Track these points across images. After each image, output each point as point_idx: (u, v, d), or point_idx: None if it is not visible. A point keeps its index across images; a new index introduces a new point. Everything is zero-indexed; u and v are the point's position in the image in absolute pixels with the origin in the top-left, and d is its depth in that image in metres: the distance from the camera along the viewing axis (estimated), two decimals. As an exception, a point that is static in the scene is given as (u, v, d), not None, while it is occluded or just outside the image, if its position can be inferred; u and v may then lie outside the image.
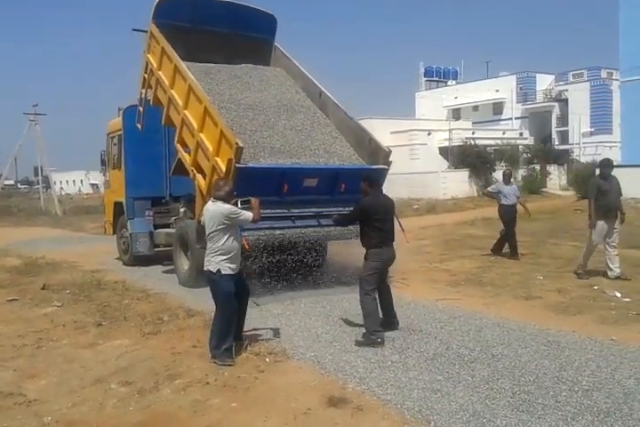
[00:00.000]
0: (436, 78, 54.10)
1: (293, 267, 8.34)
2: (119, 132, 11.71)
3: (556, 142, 40.52)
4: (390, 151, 8.77)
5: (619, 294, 7.53)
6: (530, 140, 36.97)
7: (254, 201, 5.65)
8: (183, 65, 9.00)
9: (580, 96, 40.64)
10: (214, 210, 5.43)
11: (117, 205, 11.96)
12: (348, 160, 8.74)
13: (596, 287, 8.06)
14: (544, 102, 44.38)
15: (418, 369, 5.05)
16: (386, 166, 8.66)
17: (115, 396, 4.69)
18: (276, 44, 11.10)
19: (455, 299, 7.68)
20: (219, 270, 5.39)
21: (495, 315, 6.82)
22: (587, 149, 37.29)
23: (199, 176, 8.48)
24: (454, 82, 52.84)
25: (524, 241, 11.88)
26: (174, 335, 6.29)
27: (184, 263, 9.34)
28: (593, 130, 39.37)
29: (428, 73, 53.83)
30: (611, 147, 33.95)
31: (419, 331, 6.19)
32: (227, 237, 5.40)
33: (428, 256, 11.64)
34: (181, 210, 10.27)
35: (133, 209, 11.30)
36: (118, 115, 11.94)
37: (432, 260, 11.15)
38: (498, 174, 25.00)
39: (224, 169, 7.49)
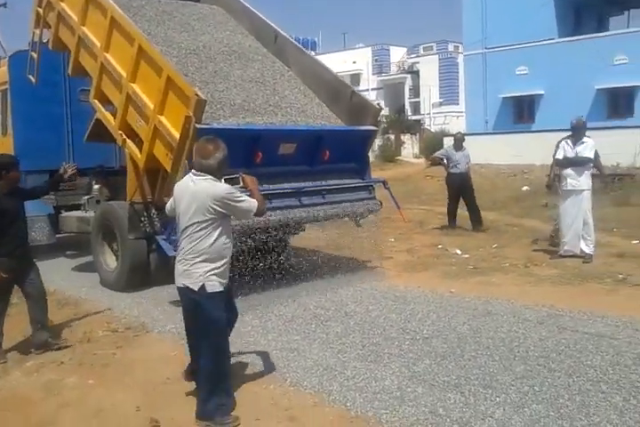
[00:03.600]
0: (295, 49, 54.26)
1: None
2: (4, 87, 9.23)
3: (409, 113, 42.58)
4: (381, 108, 7.38)
5: (459, 252, 8.28)
6: (385, 111, 38.55)
7: (249, 180, 3.77)
8: None
9: (429, 68, 42.75)
10: (199, 190, 3.53)
11: None
12: (326, 121, 7.05)
13: (439, 246, 8.77)
14: (397, 74, 46.25)
15: (277, 331, 5.27)
16: (375, 127, 7.19)
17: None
18: None
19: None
20: (203, 287, 3.53)
21: (349, 275, 7.21)
22: (436, 119, 39.58)
23: (131, 143, 6.53)
24: (313, 53, 53.34)
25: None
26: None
27: (109, 259, 7.28)
28: (442, 101, 41.75)
29: (286, 43, 53.79)
30: (458, 117, 36.30)
31: (278, 296, 6.40)
32: (217, 234, 3.53)
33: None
34: (95, 187, 8.20)
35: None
36: (2, 63, 9.56)
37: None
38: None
39: (176, 132, 5.70)
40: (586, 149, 7.39)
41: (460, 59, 33.05)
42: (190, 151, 5.24)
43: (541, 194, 13.02)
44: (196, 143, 3.57)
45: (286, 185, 6.39)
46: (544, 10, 23.53)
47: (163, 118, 5.94)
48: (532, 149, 16.15)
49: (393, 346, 4.80)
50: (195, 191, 3.56)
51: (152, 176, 6.44)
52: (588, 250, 7.46)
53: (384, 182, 7.30)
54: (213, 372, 3.70)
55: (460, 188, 10.10)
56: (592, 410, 3.59)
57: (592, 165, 7.51)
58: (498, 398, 3.80)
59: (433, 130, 35.50)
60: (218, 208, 3.51)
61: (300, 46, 7.91)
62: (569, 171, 7.46)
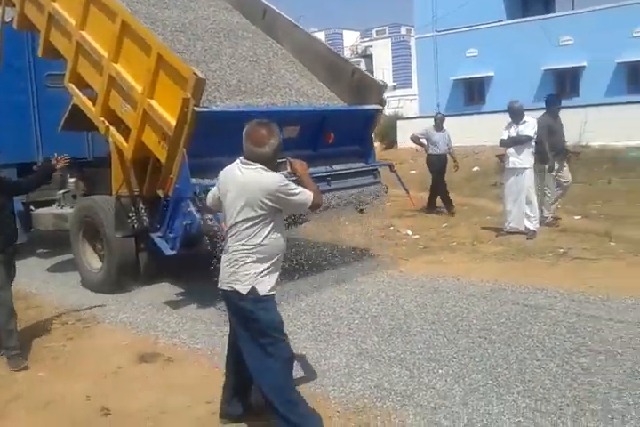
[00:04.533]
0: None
1: None
2: None
3: (365, 97, 42.80)
4: (386, 85, 6.75)
5: (410, 232, 8.46)
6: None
7: (299, 164, 3.31)
8: None
9: (382, 52, 43.01)
10: (248, 182, 3.09)
11: None
12: (328, 101, 6.57)
13: (391, 227, 8.94)
14: (351, 58, 46.25)
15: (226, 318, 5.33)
16: (380, 106, 6.63)
17: None
18: None
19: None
20: (253, 290, 3.08)
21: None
22: (390, 102, 39.82)
23: (115, 131, 5.93)
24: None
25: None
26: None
27: (91, 259, 6.63)
28: (395, 84, 42.05)
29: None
30: (411, 100, 36.62)
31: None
32: (268, 230, 3.11)
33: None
34: (70, 181, 7.52)
35: None
36: None
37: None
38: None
39: (171, 116, 5.14)
40: (527, 128, 7.63)
41: (413, 42, 33.31)
42: (189, 138, 5.07)
43: (491, 174, 13.36)
44: (246, 127, 3.15)
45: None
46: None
47: (153, 102, 5.37)
48: (482, 131, 16.42)
49: (342, 325, 4.92)
50: (243, 183, 3.10)
51: (140, 167, 5.87)
52: (531, 226, 7.72)
53: (390, 166, 6.95)
54: (281, 387, 3.18)
55: (441, 169, 10.00)
56: (527, 377, 3.78)
57: (533, 143, 7.75)
58: (440, 370, 3.97)
59: (387, 113, 35.73)
60: (270, 203, 3.04)
61: (293, 21, 7.18)
62: (511, 150, 7.72)
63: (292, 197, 3.11)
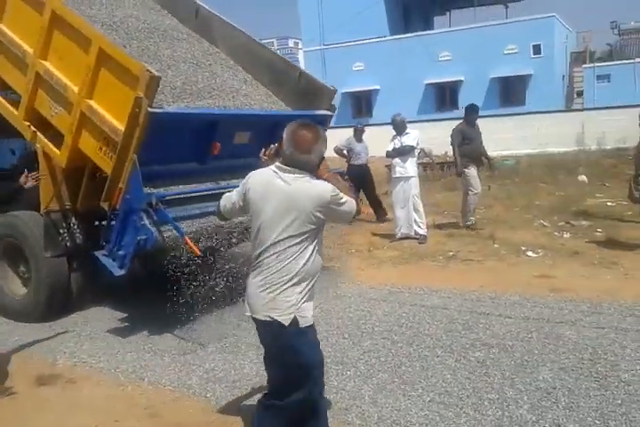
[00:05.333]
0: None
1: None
2: None
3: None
4: (335, 90, 6.30)
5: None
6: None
7: (324, 166, 2.90)
8: None
9: (271, 64, 43.34)
10: (297, 193, 2.69)
11: None
12: (275, 107, 6.12)
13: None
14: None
15: (131, 331, 5.17)
16: (330, 112, 6.27)
17: None
18: None
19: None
20: (295, 321, 2.69)
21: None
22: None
23: (42, 137, 5.29)
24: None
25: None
26: None
27: (13, 284, 5.80)
28: (286, 96, 42.58)
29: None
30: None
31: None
32: (312, 248, 2.73)
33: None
34: None
35: None
36: None
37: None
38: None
39: (118, 119, 4.63)
40: (409, 138, 8.16)
41: (301, 55, 33.92)
42: (139, 143, 4.50)
43: (383, 183, 13.87)
44: (288, 129, 2.76)
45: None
46: (375, 8, 24.92)
47: (93, 103, 4.80)
48: (369, 142, 17.07)
49: (250, 335, 4.91)
50: (291, 195, 2.68)
51: (73, 177, 5.26)
52: (421, 231, 8.14)
53: (341, 174, 6.62)
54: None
55: (362, 180, 9.84)
56: (430, 373, 4.01)
57: (417, 153, 8.23)
58: (348, 372, 4.10)
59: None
60: (321, 215, 2.68)
61: (230, 22, 6.63)
62: (397, 160, 8.18)
63: (340, 208, 2.76)
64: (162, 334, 5.11)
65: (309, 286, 2.74)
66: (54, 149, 5.19)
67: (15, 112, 5.51)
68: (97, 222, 5.56)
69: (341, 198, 2.74)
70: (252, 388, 3.95)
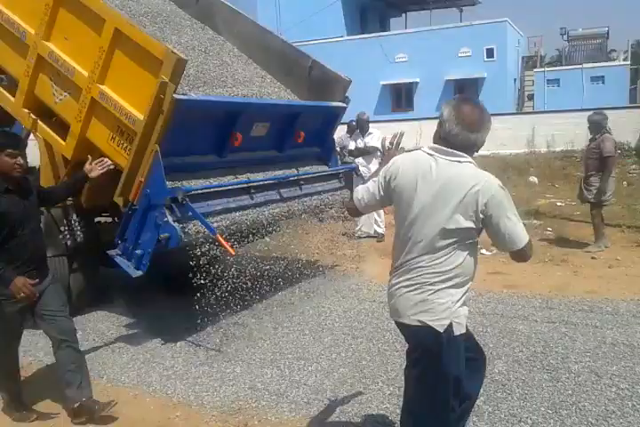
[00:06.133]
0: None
1: None
2: None
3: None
4: (350, 80, 5.93)
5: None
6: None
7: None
8: None
9: (228, 61, 43.03)
10: (462, 179, 2.33)
11: None
12: (290, 98, 5.84)
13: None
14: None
15: (89, 330, 5.09)
16: (344, 104, 5.98)
17: None
18: None
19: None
20: (450, 328, 2.39)
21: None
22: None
23: (44, 126, 4.92)
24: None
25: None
26: None
27: None
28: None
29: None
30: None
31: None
32: (471, 246, 2.44)
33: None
34: None
35: None
36: None
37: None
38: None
39: (136, 106, 4.26)
40: (372, 139, 8.21)
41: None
42: (163, 132, 4.12)
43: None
44: (450, 104, 2.39)
45: (262, 175, 5.18)
46: (333, 9, 25.03)
47: (105, 89, 4.39)
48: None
49: (210, 333, 4.92)
50: (450, 180, 2.32)
51: (76, 170, 4.77)
52: (380, 230, 8.26)
53: (355, 170, 6.66)
54: None
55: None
56: (389, 367, 4.09)
57: (379, 153, 8.30)
58: (310, 367, 4.15)
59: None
60: (488, 210, 2.29)
61: (234, 7, 6.25)
62: (360, 160, 8.23)
63: (508, 221, 2.32)
64: (120, 332, 5.04)
65: (465, 289, 2.44)
66: (58, 138, 4.81)
67: (11, 99, 5.07)
68: (97, 219, 5.41)
69: (510, 200, 2.33)
70: (213, 385, 3.95)
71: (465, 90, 23.47)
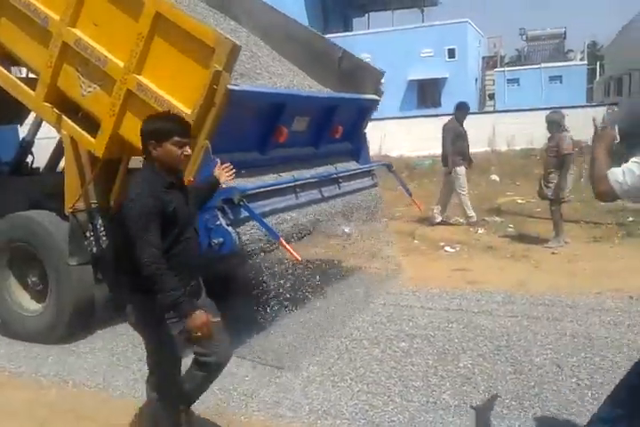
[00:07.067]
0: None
1: None
2: None
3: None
4: (384, 72, 5.70)
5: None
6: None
7: None
8: None
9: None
10: None
11: None
12: (325, 91, 5.52)
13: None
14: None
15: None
16: (378, 97, 5.76)
17: None
18: None
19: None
20: None
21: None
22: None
23: (69, 121, 4.44)
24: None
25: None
26: None
27: (22, 298, 4.97)
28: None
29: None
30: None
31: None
32: None
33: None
34: None
35: None
36: None
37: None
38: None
39: (182, 99, 3.83)
40: None
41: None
42: (215, 126, 3.79)
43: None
44: None
45: (305, 172, 4.88)
46: (295, 8, 25.03)
47: (143, 79, 3.95)
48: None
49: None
50: None
51: (106, 170, 4.46)
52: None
53: (389, 166, 6.17)
54: None
55: None
56: (358, 364, 4.14)
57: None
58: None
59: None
60: None
61: None
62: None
63: None
64: (86, 336, 4.97)
65: None
66: (87, 135, 4.33)
67: (31, 93, 4.59)
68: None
69: None
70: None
71: (428, 89, 23.81)
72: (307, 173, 4.93)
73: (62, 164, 5.33)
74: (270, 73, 5.05)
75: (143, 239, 2.60)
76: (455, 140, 8.48)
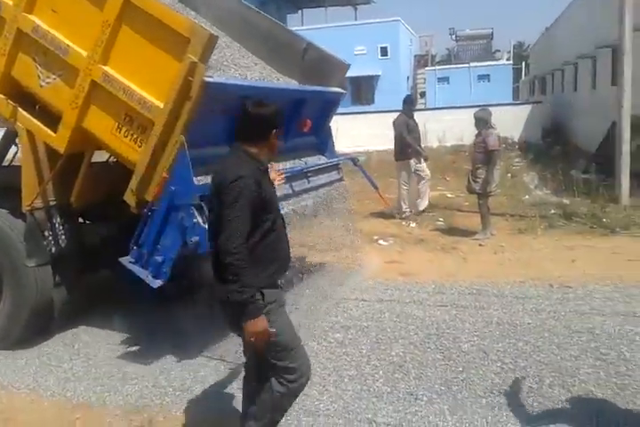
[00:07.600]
0: None
1: None
2: None
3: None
4: (349, 65, 5.53)
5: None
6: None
7: None
8: None
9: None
10: None
11: None
12: (291, 83, 5.33)
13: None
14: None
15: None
16: (344, 90, 5.67)
17: None
18: None
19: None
20: None
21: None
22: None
23: (26, 114, 4.20)
24: None
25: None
26: None
27: None
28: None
29: None
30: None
31: None
32: None
33: None
34: None
35: None
36: None
37: None
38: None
39: (152, 91, 3.67)
40: None
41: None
42: (189, 120, 3.61)
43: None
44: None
45: (277, 167, 4.72)
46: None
47: (109, 70, 3.77)
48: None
49: (110, 333, 4.82)
50: None
51: (67, 166, 4.21)
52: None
53: (354, 160, 6.12)
54: None
55: None
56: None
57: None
58: (214, 362, 4.17)
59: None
60: None
61: None
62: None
63: None
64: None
65: None
66: (47, 129, 4.11)
67: None
68: (81, 221, 4.89)
69: None
70: (115, 384, 3.89)
71: (362, 87, 24.12)
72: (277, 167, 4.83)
73: (9, 157, 5.18)
74: (237, 65, 4.91)
75: (233, 226, 2.44)
76: (408, 132, 8.71)
